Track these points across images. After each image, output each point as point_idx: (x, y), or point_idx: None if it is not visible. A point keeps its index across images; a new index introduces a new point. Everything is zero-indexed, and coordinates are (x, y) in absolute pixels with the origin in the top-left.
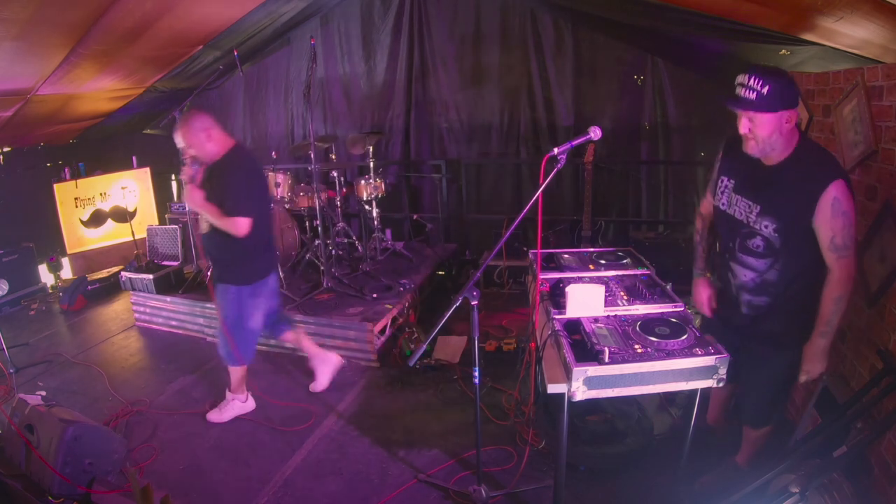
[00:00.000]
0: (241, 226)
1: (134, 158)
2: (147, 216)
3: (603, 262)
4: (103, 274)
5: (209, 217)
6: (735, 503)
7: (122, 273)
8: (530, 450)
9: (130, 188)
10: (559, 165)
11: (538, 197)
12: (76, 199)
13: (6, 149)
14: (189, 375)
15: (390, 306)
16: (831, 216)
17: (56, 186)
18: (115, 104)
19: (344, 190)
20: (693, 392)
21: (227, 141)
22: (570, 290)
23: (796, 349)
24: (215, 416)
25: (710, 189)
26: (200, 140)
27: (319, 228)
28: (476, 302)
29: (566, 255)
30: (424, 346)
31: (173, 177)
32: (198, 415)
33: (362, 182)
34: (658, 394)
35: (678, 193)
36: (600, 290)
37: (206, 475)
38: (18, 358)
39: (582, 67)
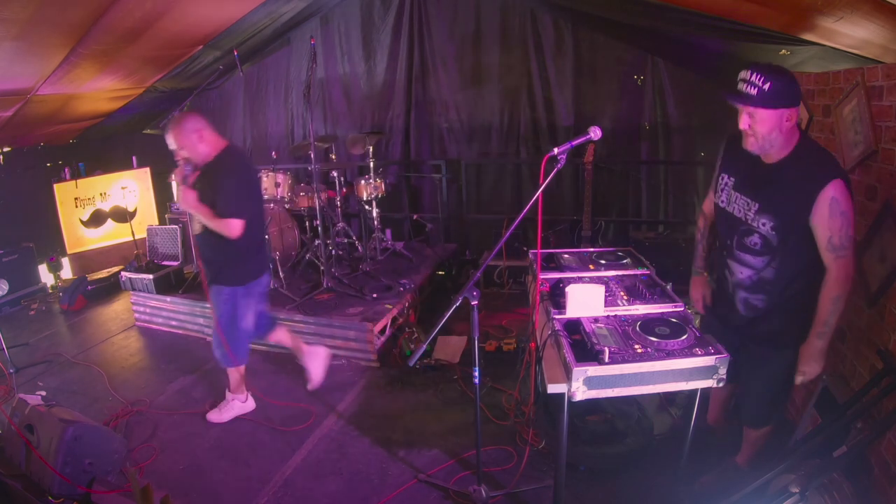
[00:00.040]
0: (233, 227)
1: (134, 158)
2: (147, 216)
3: (603, 262)
4: (103, 274)
5: (202, 218)
6: (735, 503)
7: (122, 273)
8: (530, 450)
9: (130, 188)
10: (559, 165)
11: (538, 197)
12: (76, 199)
13: (6, 149)
14: (189, 375)
15: (390, 306)
16: (829, 216)
17: (56, 186)
18: (115, 104)
19: (344, 190)
20: (693, 392)
21: (220, 142)
22: (570, 290)
23: (796, 349)
24: (215, 416)
25: (712, 187)
26: (192, 141)
27: (319, 228)
28: (476, 302)
29: (566, 255)
30: (424, 346)
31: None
32: (198, 415)
33: (362, 182)
34: (658, 394)
35: (678, 193)
36: (600, 290)
37: (206, 475)
38: (18, 358)
39: (582, 67)
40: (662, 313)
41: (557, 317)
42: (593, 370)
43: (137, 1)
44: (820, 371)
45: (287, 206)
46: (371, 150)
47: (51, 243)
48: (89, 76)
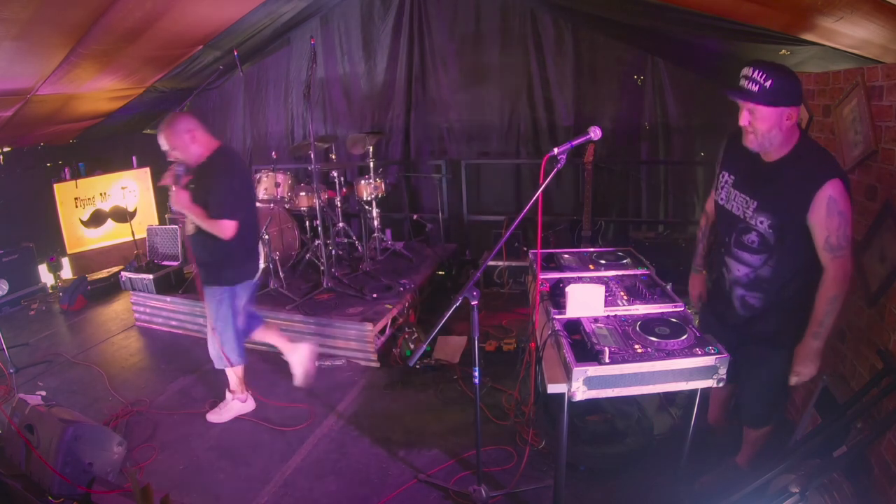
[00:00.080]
0: (226, 228)
1: (134, 158)
2: (147, 216)
3: (603, 262)
4: (103, 274)
5: (195, 219)
6: (735, 503)
7: (122, 273)
8: (530, 450)
9: (130, 188)
10: (559, 165)
11: (538, 197)
12: (76, 199)
13: (6, 149)
14: (189, 375)
15: (390, 306)
16: (826, 215)
17: (56, 186)
18: (115, 104)
19: (344, 190)
20: (693, 392)
21: (212, 142)
22: (570, 290)
23: (794, 349)
24: (215, 416)
25: (714, 186)
26: (185, 142)
27: (319, 228)
28: (476, 302)
29: (566, 255)
30: (424, 346)
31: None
32: (198, 415)
33: (362, 182)
34: (658, 394)
35: (678, 193)
36: (600, 290)
37: (206, 475)
38: (18, 358)
39: (582, 67)
40: (662, 313)
41: (557, 317)
42: (593, 370)
43: (137, 1)
44: (815, 372)
45: (287, 206)
46: (371, 150)
47: (51, 243)
48: (89, 76)
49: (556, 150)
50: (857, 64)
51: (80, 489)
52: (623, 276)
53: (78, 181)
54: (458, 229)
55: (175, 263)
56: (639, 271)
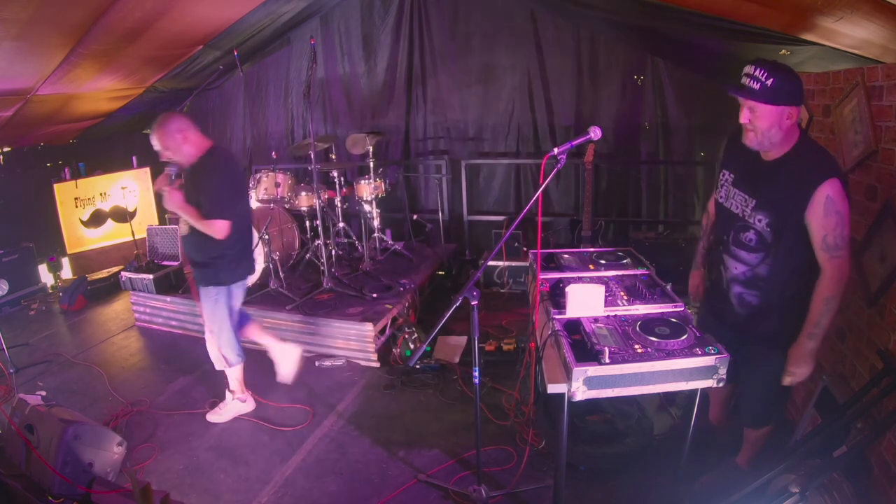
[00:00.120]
0: (219, 228)
1: (134, 158)
2: (147, 216)
3: (603, 262)
4: (103, 274)
5: (188, 219)
6: (735, 503)
7: (122, 273)
8: (530, 450)
9: (130, 188)
10: (559, 165)
11: (538, 197)
12: (76, 199)
13: (6, 149)
14: (189, 375)
15: (390, 306)
16: (824, 214)
17: (56, 186)
18: (115, 104)
19: (344, 190)
20: (693, 392)
21: (204, 142)
22: (570, 290)
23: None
24: (215, 416)
25: (715, 185)
26: (177, 142)
27: (319, 228)
28: (476, 302)
29: (566, 255)
30: (424, 346)
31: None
32: (198, 415)
33: (362, 182)
34: (658, 394)
35: (678, 193)
36: (600, 290)
37: (205, 475)
38: (18, 358)
39: (582, 67)
40: (662, 313)
41: (557, 317)
42: (593, 370)
43: (137, 1)
44: (809, 373)
45: (287, 206)
46: (371, 150)
47: (51, 243)
48: (89, 76)
49: (556, 150)
50: (857, 64)
51: (80, 489)
52: (623, 276)
53: (78, 181)
54: (458, 229)
55: (175, 263)
56: (639, 271)
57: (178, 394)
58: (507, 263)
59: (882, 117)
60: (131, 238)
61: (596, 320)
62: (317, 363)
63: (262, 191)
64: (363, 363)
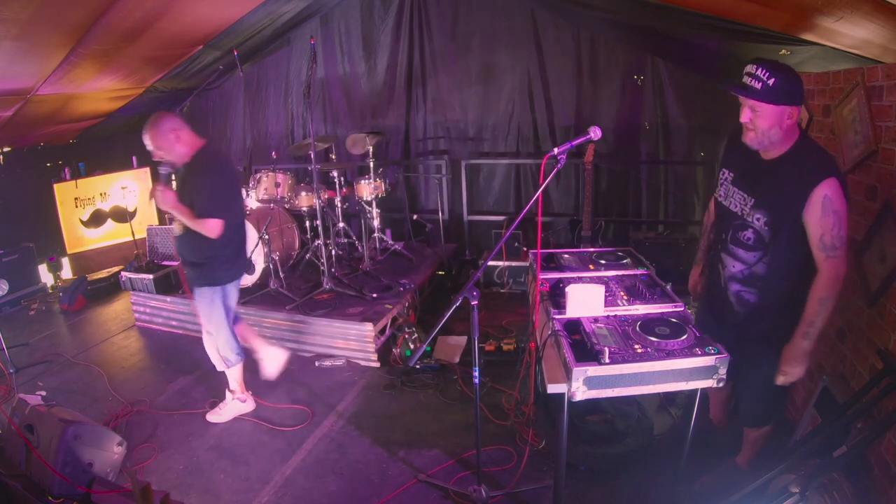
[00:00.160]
0: (212, 227)
1: (134, 158)
2: (147, 216)
3: (603, 262)
4: (103, 274)
5: (182, 218)
6: (735, 503)
7: (122, 273)
8: (530, 450)
9: (130, 188)
10: (559, 165)
11: (538, 197)
12: (76, 199)
13: (6, 149)
14: (189, 375)
15: (390, 306)
16: (821, 213)
17: (56, 186)
18: (115, 104)
19: (344, 190)
20: (693, 392)
21: (197, 141)
22: (570, 290)
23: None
24: (215, 416)
25: (716, 184)
26: (170, 142)
27: (319, 228)
28: (476, 302)
29: (566, 255)
30: (424, 346)
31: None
32: (198, 415)
33: (362, 182)
34: (658, 394)
35: (678, 193)
36: (600, 290)
37: (205, 475)
38: (18, 358)
39: (582, 67)
40: (662, 313)
41: (557, 317)
42: (593, 370)
43: (137, 1)
44: (802, 373)
45: (287, 206)
46: (371, 150)
47: (51, 243)
48: (89, 76)
49: (556, 150)
50: (857, 64)
51: (80, 489)
52: (623, 276)
53: (78, 181)
54: (458, 229)
55: (175, 263)
56: (639, 271)
57: (178, 394)
58: (507, 263)
59: (882, 117)
60: (131, 238)
61: (596, 320)
62: (317, 363)
63: (262, 191)
64: (363, 363)
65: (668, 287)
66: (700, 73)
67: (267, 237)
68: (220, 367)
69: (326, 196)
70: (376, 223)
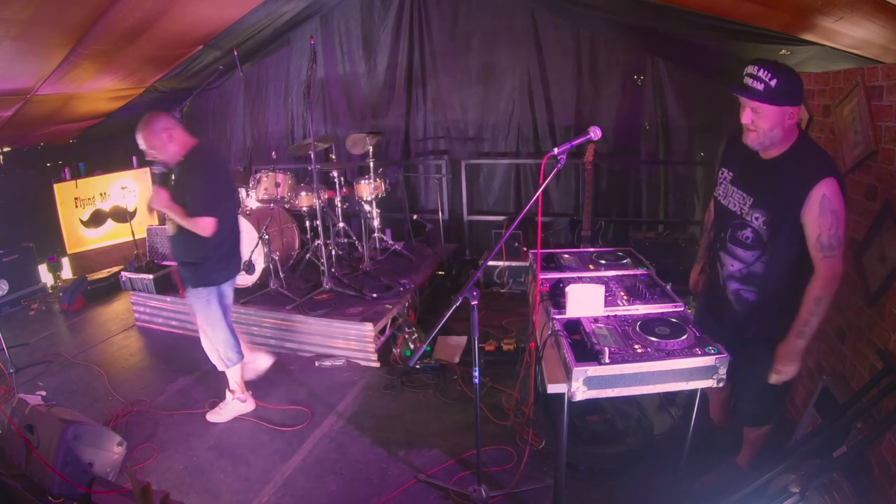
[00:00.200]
0: (205, 226)
1: (134, 158)
2: (147, 216)
3: (603, 262)
4: (103, 274)
5: (175, 217)
6: (735, 503)
7: (122, 273)
8: (530, 450)
9: (130, 188)
10: (559, 165)
11: (538, 197)
12: (76, 199)
13: (6, 149)
14: (189, 375)
15: (390, 306)
16: (819, 213)
17: (56, 186)
18: (115, 104)
19: (344, 190)
20: (693, 392)
21: (190, 141)
22: (570, 290)
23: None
24: (215, 416)
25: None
26: (163, 141)
27: (319, 228)
28: (476, 302)
29: (566, 255)
30: (424, 346)
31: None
32: (198, 415)
33: (362, 182)
34: (658, 394)
35: (678, 193)
36: (600, 290)
37: (205, 475)
38: (18, 358)
39: (582, 67)
40: (662, 313)
41: (557, 317)
42: (593, 370)
43: (137, 1)
44: (796, 372)
45: (287, 206)
46: (371, 150)
47: (51, 243)
48: (89, 76)
49: (556, 150)
50: (857, 64)
51: (80, 489)
52: (623, 276)
53: (78, 181)
54: (458, 229)
55: (175, 263)
56: (639, 271)
57: (178, 394)
58: (507, 263)
59: (882, 117)
60: (131, 238)
61: (596, 320)
62: (317, 363)
63: (262, 191)
64: (363, 363)
65: (668, 287)
66: (700, 73)
67: (267, 237)
68: (220, 366)
69: (326, 196)
70: (376, 223)
